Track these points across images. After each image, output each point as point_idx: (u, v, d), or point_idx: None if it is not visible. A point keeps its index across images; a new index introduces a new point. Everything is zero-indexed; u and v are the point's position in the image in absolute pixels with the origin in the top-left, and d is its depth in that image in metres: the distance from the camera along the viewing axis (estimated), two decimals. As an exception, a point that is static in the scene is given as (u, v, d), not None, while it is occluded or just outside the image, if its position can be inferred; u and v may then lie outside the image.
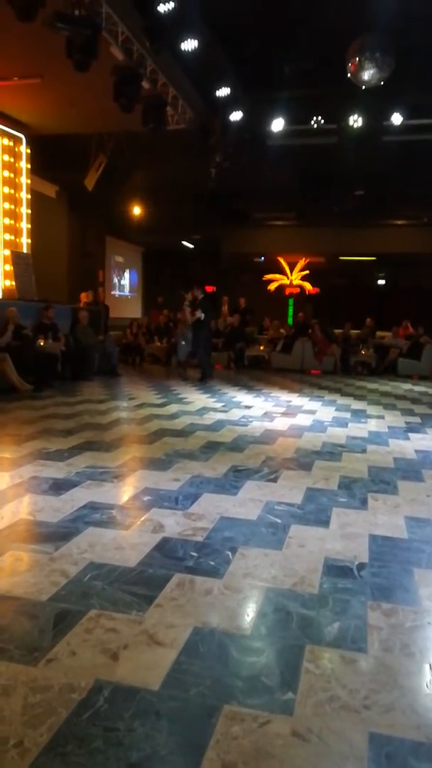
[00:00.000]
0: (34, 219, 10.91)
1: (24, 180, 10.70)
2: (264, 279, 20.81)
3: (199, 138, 9.77)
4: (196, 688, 1.72)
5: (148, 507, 3.24)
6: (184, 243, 20.33)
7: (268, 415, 6.54)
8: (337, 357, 12.11)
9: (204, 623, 2.05)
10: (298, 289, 20.86)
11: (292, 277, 20.84)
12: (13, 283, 10.25)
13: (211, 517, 3.09)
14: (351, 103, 9.46)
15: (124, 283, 19.82)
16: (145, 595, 2.22)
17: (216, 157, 10.56)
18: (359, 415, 6.74)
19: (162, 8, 6.70)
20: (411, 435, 5.62)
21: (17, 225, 10.62)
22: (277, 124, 10.11)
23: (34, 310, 9.24)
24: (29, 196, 10.81)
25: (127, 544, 2.70)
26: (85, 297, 12.02)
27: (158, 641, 1.94)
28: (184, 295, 9.53)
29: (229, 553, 2.63)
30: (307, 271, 20.64)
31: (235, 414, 6.55)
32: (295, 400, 7.92)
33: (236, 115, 9.77)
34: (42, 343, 8.63)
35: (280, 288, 20.91)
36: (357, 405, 7.54)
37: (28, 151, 10.69)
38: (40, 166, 11.31)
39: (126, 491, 3.57)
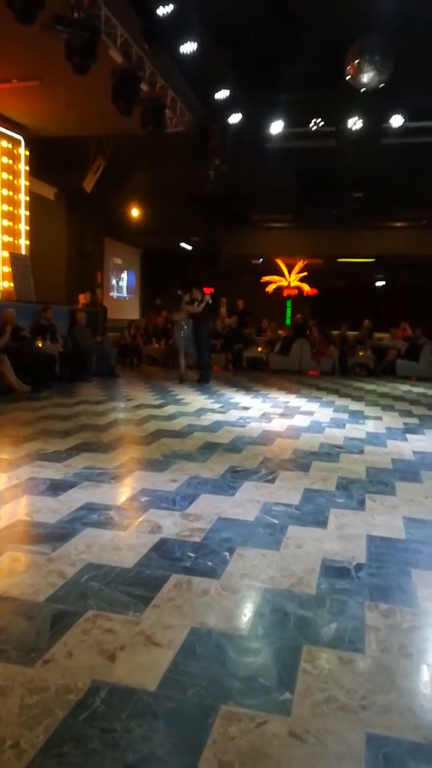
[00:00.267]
0: (32, 221, 10.91)
1: (23, 182, 10.71)
2: (262, 281, 20.85)
3: (197, 140, 9.79)
4: (193, 689, 1.71)
5: (145, 508, 3.23)
6: (183, 245, 20.36)
7: (265, 416, 6.54)
8: (335, 358, 12.12)
9: (201, 624, 2.04)
10: (296, 291, 20.90)
11: (290, 278, 20.88)
12: (12, 284, 10.25)
13: (208, 518, 3.08)
14: (350, 106, 9.49)
15: (122, 284, 19.82)
16: (142, 596, 2.22)
17: (215, 160, 10.57)
18: (357, 416, 6.74)
19: (161, 11, 6.72)
20: (409, 436, 5.62)
21: (16, 227, 10.62)
22: (276, 127, 10.13)
23: (32, 312, 9.24)
24: (28, 198, 10.81)
25: (124, 545, 2.70)
26: (83, 298, 12.03)
27: (155, 642, 1.93)
28: (181, 295, 9.51)
29: (227, 554, 2.63)
30: (305, 273, 20.68)
31: (233, 415, 6.55)
32: (293, 401, 7.92)
33: (235, 118, 9.79)
34: (40, 345, 8.62)
35: (279, 289, 20.95)
36: (355, 406, 7.54)
37: (27, 153, 10.69)
38: (38, 168, 11.32)
39: (123, 492, 3.56)
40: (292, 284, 20.89)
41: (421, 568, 2.56)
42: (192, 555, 2.61)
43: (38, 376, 7.91)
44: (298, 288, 20.89)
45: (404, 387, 10.08)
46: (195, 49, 7.37)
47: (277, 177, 12.60)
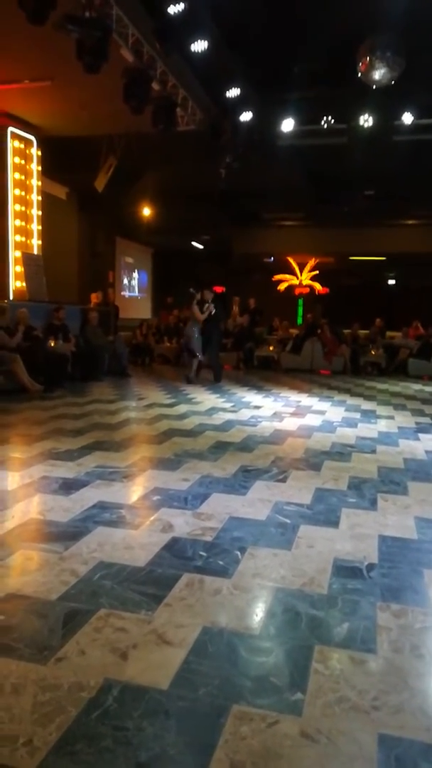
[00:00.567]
0: (44, 220, 10.96)
1: (35, 182, 10.76)
2: (273, 279, 20.79)
3: (209, 139, 9.78)
4: (205, 688, 1.72)
5: (157, 507, 3.24)
6: (194, 244, 20.35)
7: (277, 416, 6.53)
8: (346, 357, 12.07)
9: (213, 623, 2.05)
10: (307, 290, 20.81)
11: (301, 277, 20.80)
12: (24, 284, 10.31)
13: (220, 517, 3.08)
14: (361, 103, 9.42)
15: (134, 283, 19.86)
16: (154, 595, 2.22)
17: (226, 158, 10.55)
18: (369, 415, 6.71)
19: (172, 9, 6.71)
20: (421, 435, 5.58)
21: (28, 226, 10.68)
22: (287, 125, 10.09)
23: (44, 311, 9.29)
24: (40, 198, 10.86)
25: (136, 543, 2.71)
26: (95, 298, 12.06)
27: (167, 641, 1.94)
28: (193, 293, 9.50)
29: (238, 553, 2.63)
30: (316, 272, 20.59)
31: (245, 414, 6.55)
32: (305, 400, 7.90)
33: (246, 116, 9.76)
34: (52, 344, 8.67)
35: (290, 288, 20.87)
36: (367, 405, 7.50)
37: (39, 153, 10.75)
38: (50, 168, 11.37)
39: (135, 491, 3.58)
40: (304, 283, 20.81)
41: (434, 569, 2.54)
42: (204, 554, 2.61)
43: (51, 376, 7.96)
44: (310, 287, 20.81)
45: (416, 386, 10.02)
46: (206, 47, 7.35)
47: (288, 175, 12.55)
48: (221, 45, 7.66)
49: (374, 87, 7.90)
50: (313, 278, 20.77)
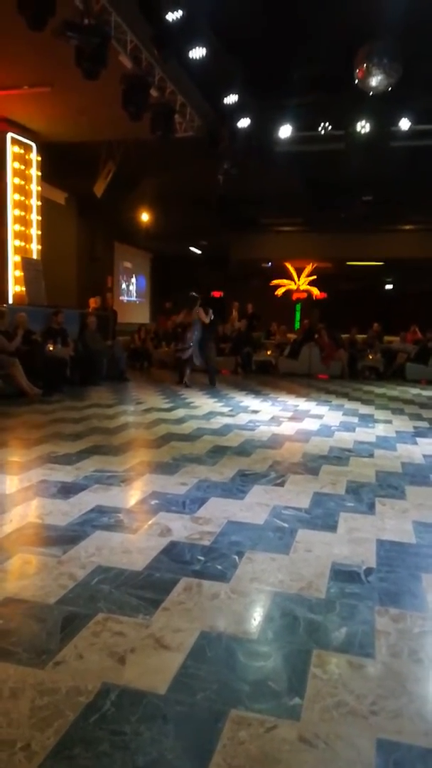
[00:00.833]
0: (43, 225, 10.98)
1: (34, 187, 10.78)
2: (271, 284, 20.83)
3: (207, 145, 9.81)
4: (202, 693, 1.71)
5: (155, 511, 3.24)
6: (192, 249, 20.40)
7: (275, 420, 6.53)
8: (344, 362, 12.08)
9: (211, 627, 2.04)
10: (305, 294, 20.86)
11: (299, 282, 20.84)
12: (23, 288, 10.32)
13: (218, 521, 3.08)
14: (358, 109, 9.47)
15: (132, 288, 19.88)
16: (152, 599, 2.22)
17: (224, 164, 10.59)
18: (367, 419, 6.71)
19: (170, 16, 6.74)
20: (419, 440, 5.59)
21: (27, 231, 10.69)
22: (285, 131, 10.14)
23: (43, 316, 9.29)
24: (39, 203, 10.88)
25: (134, 547, 2.70)
26: (93, 302, 12.07)
27: (165, 645, 1.93)
28: (196, 297, 9.51)
29: (236, 558, 2.62)
30: (314, 276, 20.63)
31: (243, 418, 6.55)
32: (303, 404, 7.90)
33: (244, 122, 9.80)
34: (51, 348, 8.67)
35: (288, 293, 20.91)
36: (364, 409, 7.51)
37: (39, 158, 10.77)
38: (50, 173, 11.40)
39: (133, 495, 3.57)
40: (302, 288, 20.85)
41: (432, 573, 2.54)
42: (201, 558, 2.61)
43: (49, 380, 7.95)
44: (308, 291, 20.86)
45: (414, 390, 10.03)
46: (204, 54, 7.39)
47: (286, 181, 12.59)
48: (219, 51, 7.69)
49: (371, 93, 7.94)
50: (310, 283, 20.81)
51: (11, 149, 10.25)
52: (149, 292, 21.13)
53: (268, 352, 13.03)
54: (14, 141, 10.28)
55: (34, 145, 10.60)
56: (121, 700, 1.67)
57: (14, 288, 10.35)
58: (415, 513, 3.35)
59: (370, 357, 12.28)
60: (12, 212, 10.35)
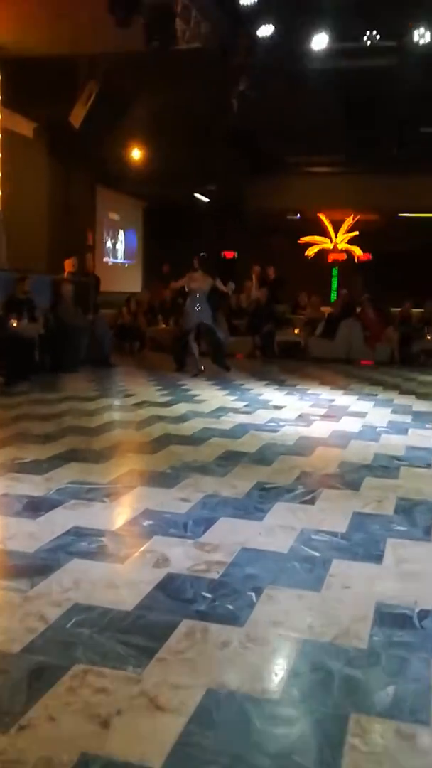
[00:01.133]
0: (5, 164, 10.98)
1: (-7, 115, 10.78)
2: (300, 242, 20.76)
3: (217, 60, 9.75)
4: (208, 767, 1.73)
5: (148, 534, 3.26)
6: (198, 196, 20.33)
7: (303, 418, 6.53)
8: (394, 344, 12.04)
9: (220, 684, 2.06)
10: (344, 256, 20.77)
11: (336, 239, 20.75)
12: (-21, 247, 10.35)
13: (229, 549, 3.09)
14: (415, 14, 9.36)
15: (120, 247, 19.89)
16: (144, 647, 2.23)
17: (239, 85, 10.53)
18: (423, 418, 6.70)
19: None
20: None
21: (-16, 173, 10.71)
22: (319, 42, 10.04)
23: (4, 282, 9.32)
24: (0, 137, 10.88)
25: (121, 581, 2.72)
26: (69, 265, 12.08)
27: (161, 706, 1.95)
28: (205, 258, 9.56)
29: (253, 595, 2.64)
30: (356, 232, 20.53)
31: (262, 416, 6.55)
32: (340, 398, 7.89)
33: (266, 30, 9.72)
34: (15, 325, 8.69)
35: (322, 254, 20.84)
36: (420, 406, 7.49)
37: (0, 77, 10.75)
38: (14, 98, 11.38)
39: (121, 514, 3.59)
40: (340, 247, 20.76)
41: None
42: (208, 596, 2.62)
43: (13, 365, 7.99)
44: (347, 252, 20.76)
45: None
46: None
47: (321, 107, 12.49)
48: None
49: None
50: (351, 241, 20.71)
51: (-36, 66, 10.25)
52: (141, 252, 21.12)
53: (296, 331, 13.01)
54: (-32, 55, 10.27)
55: (-7, 60, 10.58)
56: (104, 775, 1.69)
57: (-33, 246, 10.39)
58: None
59: (429, 338, 12.22)
60: (-35, 148, 10.37)
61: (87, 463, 4.53)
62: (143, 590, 2.64)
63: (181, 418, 6.30)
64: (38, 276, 10.17)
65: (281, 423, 6.25)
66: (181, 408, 6.85)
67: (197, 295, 9.44)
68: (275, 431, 5.87)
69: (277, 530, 3.38)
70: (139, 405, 6.95)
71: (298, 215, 20.41)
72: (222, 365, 9.84)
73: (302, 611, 2.53)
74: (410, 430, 6.09)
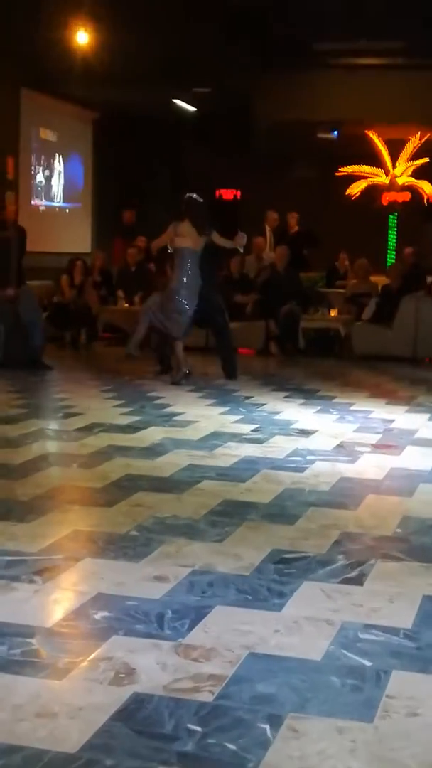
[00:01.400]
0: None
1: None
2: (338, 174, 20.77)
3: None
4: None
5: (103, 633, 3.25)
6: (179, 103, 20.36)
7: (345, 450, 6.55)
8: None
9: None
10: (407, 196, 20.81)
11: (395, 170, 20.79)
12: None
13: (229, 655, 3.09)
14: None
15: (57, 183, 19.86)
16: None
17: None
18: None
19: None
20: None
21: None
22: None
23: None
24: None
25: (62, 705, 2.71)
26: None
27: None
28: (196, 200, 9.59)
29: (267, 728, 2.63)
30: (425, 160, 20.56)
31: (280, 447, 6.57)
32: (401, 418, 7.94)
33: None
34: None
35: (372, 193, 20.85)
36: None
37: None
38: None
39: (59, 601, 3.59)
40: (400, 182, 20.80)
41: None
42: (197, 729, 2.61)
43: None
44: (412, 189, 20.79)
45: None
46: None
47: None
48: None
49: None
50: (417, 173, 20.74)
51: None
52: (90, 190, 21.10)
53: (332, 312, 13.03)
54: None
55: None
56: None
57: None
58: None
59: None
60: None
61: (7, 521, 4.52)
62: (95, 721, 2.62)
63: (154, 451, 6.29)
64: None
65: (310, 457, 6.26)
66: (154, 434, 6.85)
67: (188, 259, 9.43)
68: (301, 470, 5.87)
69: (305, 625, 3.37)
70: (88, 429, 6.93)
71: (335, 132, 20.43)
72: (232, 373, 9.86)
73: (345, 754, 2.52)
74: None
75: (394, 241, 20.51)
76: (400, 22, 15.55)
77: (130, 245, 14.37)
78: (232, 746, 2.54)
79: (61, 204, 20.03)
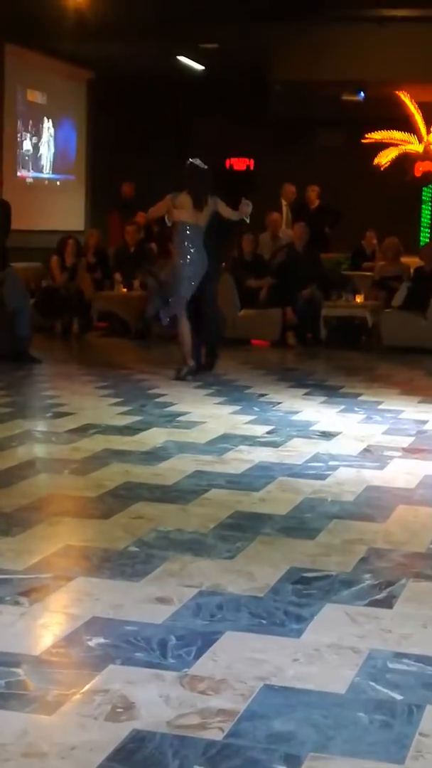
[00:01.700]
0: None
1: None
2: (365, 141, 20.77)
3: None
4: None
5: (98, 662, 3.26)
6: (184, 60, 20.36)
7: (372, 455, 6.57)
8: None
9: None
10: (444, 166, 20.81)
11: (429, 137, 20.78)
12: None
13: (241, 687, 3.09)
14: None
15: (46, 151, 19.87)
16: None
17: None
18: None
19: None
20: None
21: None
22: None
23: None
24: None
25: (51, 744, 2.72)
26: None
27: None
28: (199, 167, 9.59)
29: (284, 770, 2.64)
30: (464, 125, 20.58)
31: (298, 451, 6.59)
32: (436, 419, 7.93)
33: None
34: None
35: (403, 162, 20.84)
36: None
37: None
38: None
39: (49, 626, 3.60)
40: (436, 150, 20.82)
41: None
42: (205, 770, 2.62)
43: None
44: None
45: None
46: None
47: None
48: None
49: None
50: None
51: None
52: (84, 160, 21.10)
53: (358, 298, 13.03)
54: None
55: None
56: None
57: None
58: None
59: None
60: None
61: (-11, 534, 4.54)
62: (89, 762, 2.63)
63: (156, 455, 6.31)
64: None
65: (333, 463, 6.27)
66: (156, 436, 6.87)
67: (188, 233, 9.43)
68: (322, 477, 5.89)
69: (327, 654, 3.38)
70: (81, 431, 6.95)
71: (362, 94, 20.39)
72: (211, 361, 9.87)
73: (372, 799, 2.53)
74: None
75: (429, 217, 20.50)
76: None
77: (128, 222, 14.36)
78: (245, 791, 2.55)
79: (50, 175, 20.02)
